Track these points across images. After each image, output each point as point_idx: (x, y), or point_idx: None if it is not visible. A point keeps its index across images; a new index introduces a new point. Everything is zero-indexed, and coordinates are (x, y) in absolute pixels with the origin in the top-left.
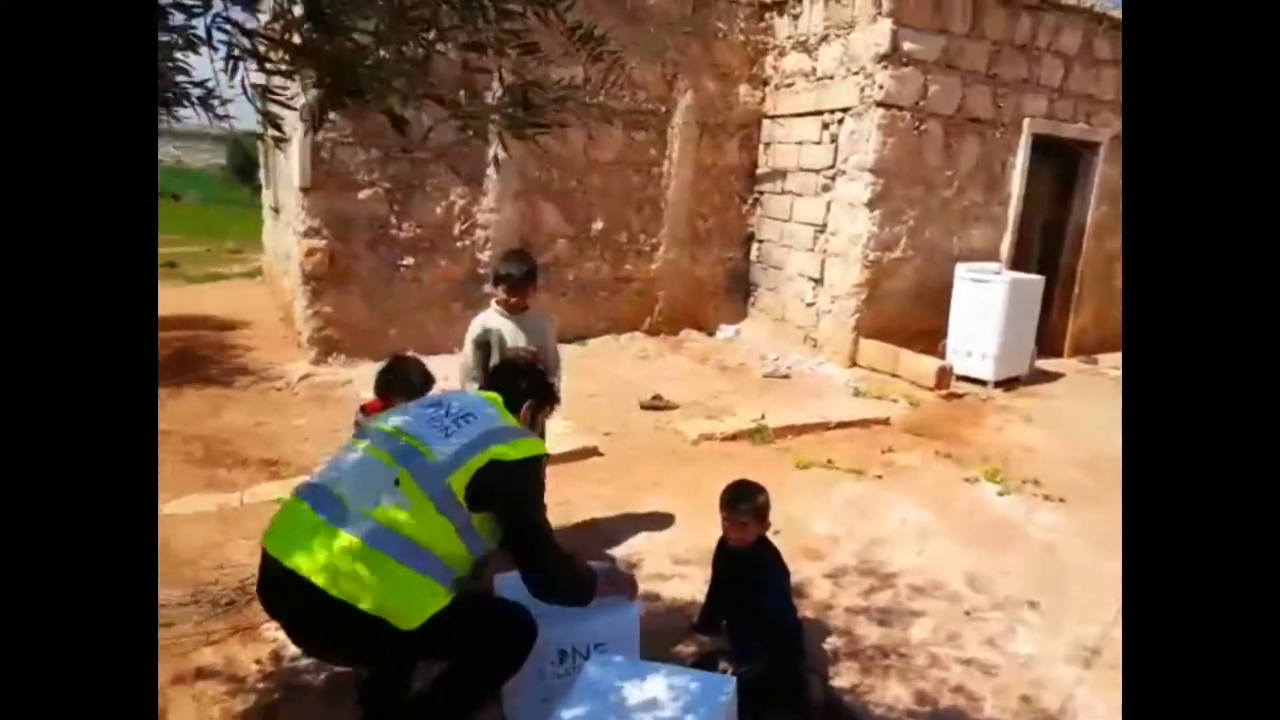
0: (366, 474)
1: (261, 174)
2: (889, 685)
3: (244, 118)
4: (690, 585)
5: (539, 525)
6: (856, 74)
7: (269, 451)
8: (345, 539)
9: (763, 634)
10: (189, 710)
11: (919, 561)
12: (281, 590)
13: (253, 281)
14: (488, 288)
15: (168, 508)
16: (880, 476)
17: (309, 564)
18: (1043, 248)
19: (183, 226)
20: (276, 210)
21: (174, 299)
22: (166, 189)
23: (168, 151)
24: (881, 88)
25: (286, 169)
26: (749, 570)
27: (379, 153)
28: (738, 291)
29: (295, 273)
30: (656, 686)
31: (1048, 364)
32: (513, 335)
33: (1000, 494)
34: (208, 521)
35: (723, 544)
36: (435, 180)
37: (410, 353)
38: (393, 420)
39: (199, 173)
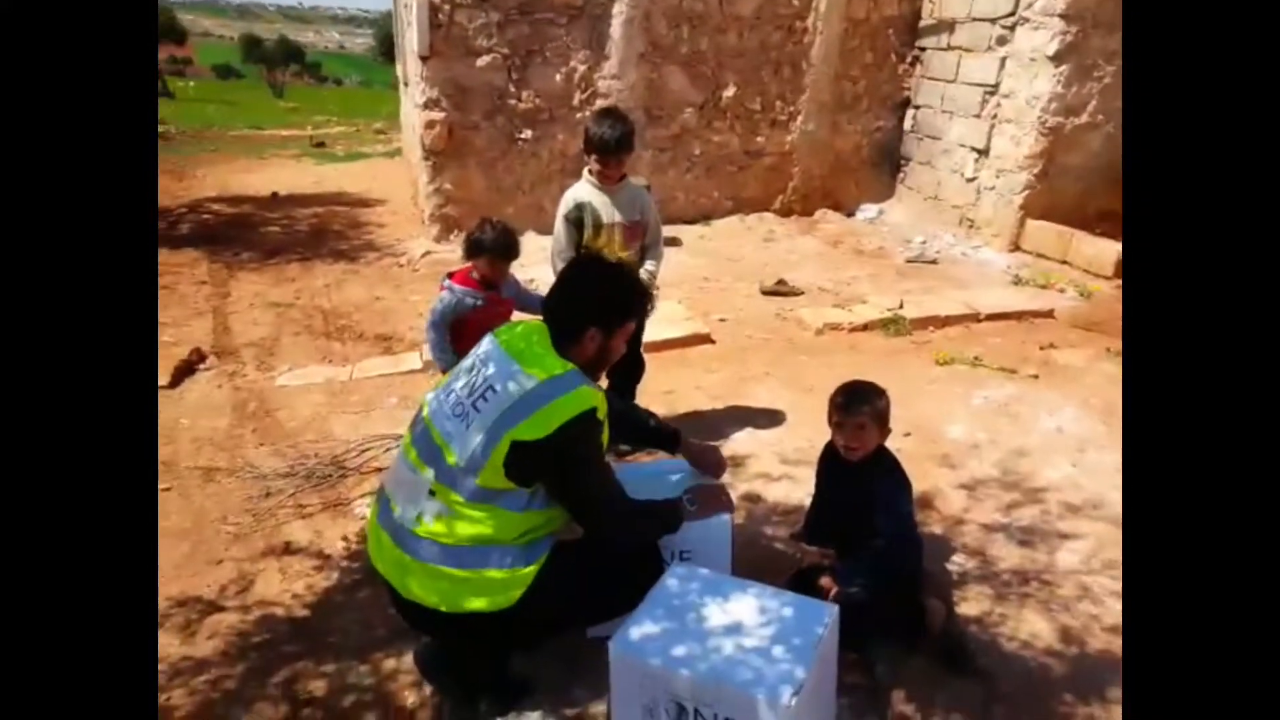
0: (408, 485)
1: (396, 49)
2: (1025, 617)
3: None
4: (798, 488)
5: (589, 491)
6: None
7: (384, 326)
8: (418, 566)
9: (874, 555)
10: (274, 584)
11: (1074, 475)
12: (414, 613)
13: (392, 161)
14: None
15: (281, 379)
16: (1036, 376)
17: (420, 591)
18: None
19: (338, 108)
20: (406, 84)
21: (317, 176)
22: (330, 73)
23: (330, 38)
24: None
25: (410, 38)
26: (862, 485)
27: (498, 14)
28: (885, 166)
29: (417, 147)
30: (744, 607)
31: None
32: (607, 210)
33: None
34: (315, 393)
35: (830, 452)
36: (555, 45)
37: (508, 225)
38: (429, 403)
39: (360, 57)
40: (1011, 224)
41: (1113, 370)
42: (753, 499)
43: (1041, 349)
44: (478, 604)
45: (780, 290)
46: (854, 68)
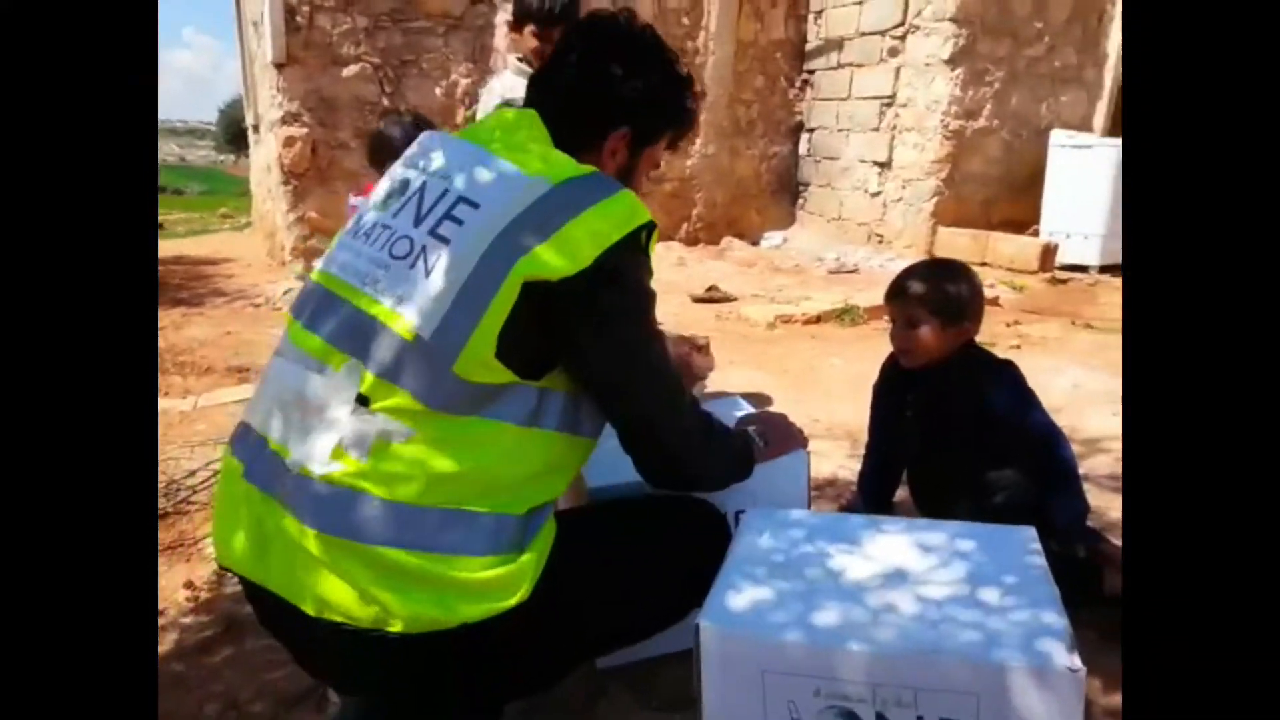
0: (305, 399)
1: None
2: None
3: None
4: (823, 460)
5: (653, 381)
6: None
7: (237, 359)
8: (336, 550)
9: (1064, 480)
10: None
11: (1119, 424)
12: (323, 648)
13: (241, 233)
14: (501, 35)
15: None
16: (1018, 347)
17: (340, 597)
18: None
19: (181, 211)
20: (256, 128)
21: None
22: (169, 184)
23: (170, 150)
24: None
25: (262, 56)
26: (947, 404)
27: (366, 20)
28: (784, 193)
29: (275, 175)
30: (893, 548)
31: None
32: None
33: None
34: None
35: (892, 371)
36: (433, 56)
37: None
38: (328, 259)
39: (203, 168)
40: (924, 233)
41: (1093, 338)
42: None
43: (1009, 325)
44: (455, 614)
45: (713, 296)
46: (746, 91)
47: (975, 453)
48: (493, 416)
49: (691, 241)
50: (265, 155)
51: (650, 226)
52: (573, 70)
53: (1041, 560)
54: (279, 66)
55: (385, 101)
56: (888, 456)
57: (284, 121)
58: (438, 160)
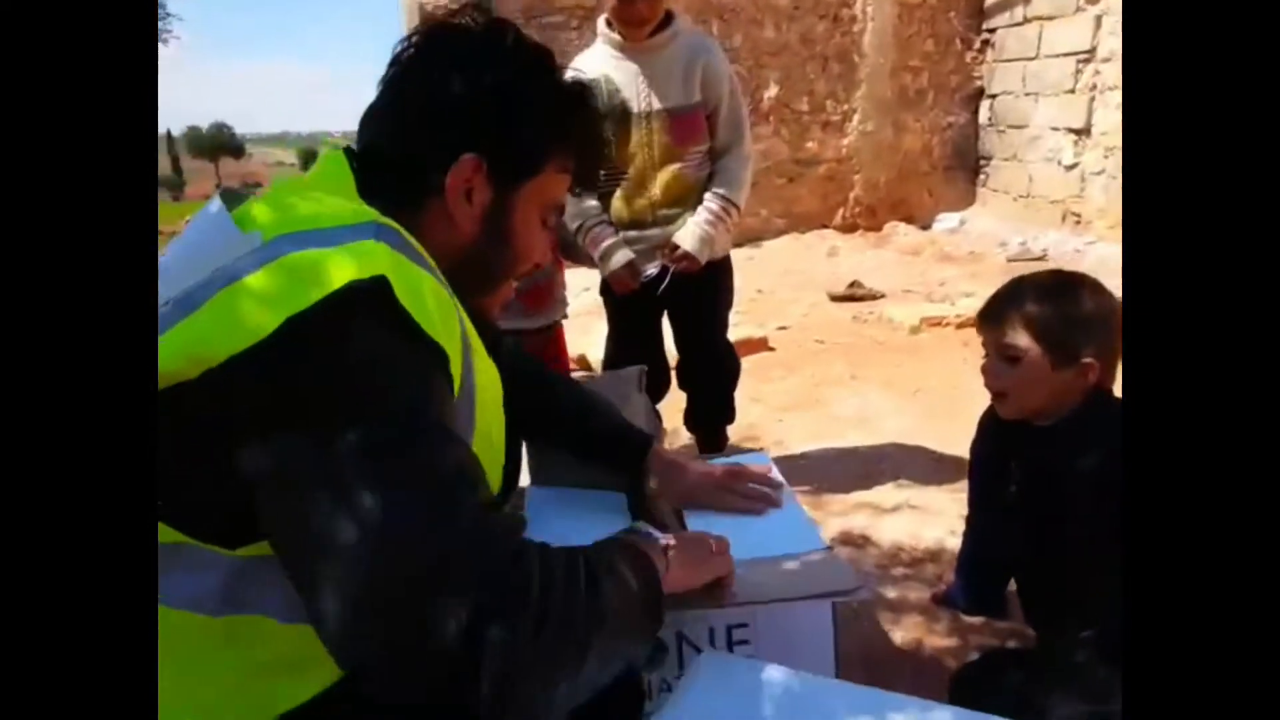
0: None
1: None
2: None
3: None
4: (931, 522)
5: (384, 511)
6: None
7: None
8: None
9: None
10: None
11: None
12: None
13: None
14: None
15: None
16: None
17: None
18: None
19: None
20: None
21: None
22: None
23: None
24: None
25: None
26: (1071, 462)
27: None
28: (961, 169)
29: None
30: None
31: None
32: (636, 88)
33: None
34: None
35: (993, 424)
36: (568, 51)
37: None
38: None
39: None
40: None
41: None
42: (855, 542)
43: None
44: None
45: (854, 295)
46: (914, 57)
47: (1097, 552)
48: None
49: (849, 229)
50: None
51: (394, 281)
52: (386, 86)
53: None
54: None
55: None
56: (992, 543)
57: None
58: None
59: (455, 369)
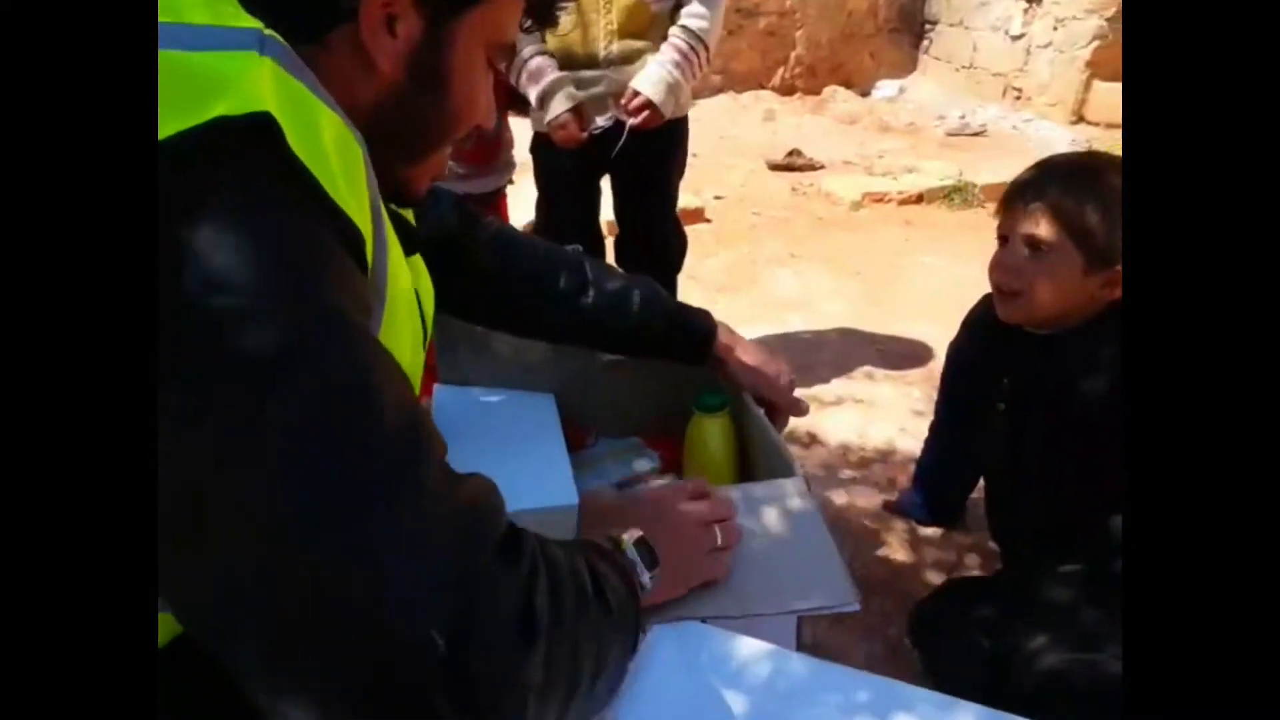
0: None
1: None
2: None
3: None
4: (879, 419)
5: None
6: None
7: None
8: None
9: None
10: None
11: None
12: None
13: None
14: None
15: None
16: None
17: None
18: None
19: None
20: None
21: None
22: None
23: None
24: None
25: None
26: (1081, 384)
27: None
28: (905, 33)
29: None
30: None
31: None
32: None
33: None
34: None
35: (983, 327)
36: None
37: None
38: None
39: None
40: (1075, 88)
41: None
42: (800, 440)
43: None
44: None
45: (793, 164)
46: None
47: (1096, 484)
48: None
49: (787, 91)
50: None
51: (270, 125)
52: None
53: None
54: None
55: None
56: (960, 454)
57: None
58: None
59: (367, 252)
